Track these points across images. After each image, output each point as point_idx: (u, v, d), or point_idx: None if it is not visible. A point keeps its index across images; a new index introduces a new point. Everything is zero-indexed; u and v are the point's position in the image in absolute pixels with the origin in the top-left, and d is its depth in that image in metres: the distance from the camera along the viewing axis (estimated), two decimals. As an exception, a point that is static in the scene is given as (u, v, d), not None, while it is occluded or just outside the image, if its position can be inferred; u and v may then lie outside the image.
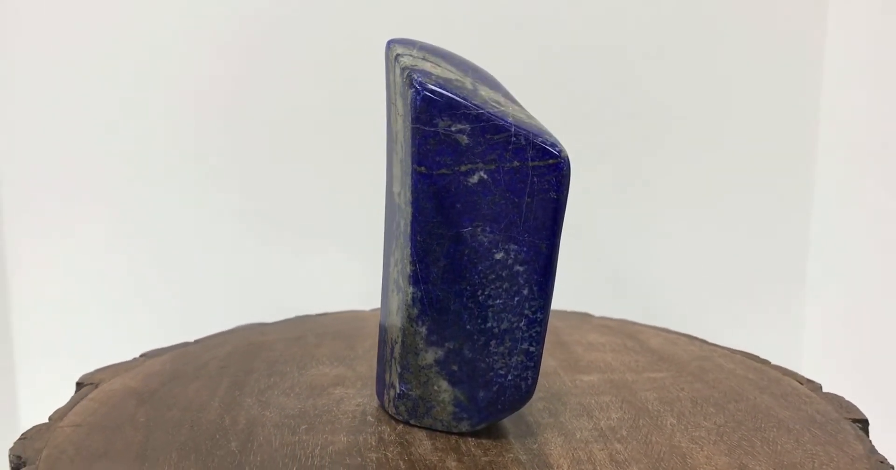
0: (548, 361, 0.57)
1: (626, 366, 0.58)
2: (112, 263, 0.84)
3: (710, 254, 0.87)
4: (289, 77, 0.82)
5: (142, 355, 0.59)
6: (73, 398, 0.52)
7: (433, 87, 0.43)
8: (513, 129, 0.43)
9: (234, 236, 0.84)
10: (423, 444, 0.46)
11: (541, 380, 0.52)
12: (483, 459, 0.44)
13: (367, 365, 0.57)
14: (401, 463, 0.44)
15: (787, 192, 0.86)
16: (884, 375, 0.78)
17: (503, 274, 0.44)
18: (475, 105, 0.43)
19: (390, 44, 0.48)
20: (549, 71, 0.83)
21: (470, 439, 0.46)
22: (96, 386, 0.53)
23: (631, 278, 0.87)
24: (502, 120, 0.43)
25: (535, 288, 0.45)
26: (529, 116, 0.45)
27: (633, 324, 0.67)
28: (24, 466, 0.43)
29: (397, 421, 0.48)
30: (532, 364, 0.45)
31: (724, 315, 0.87)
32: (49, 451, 0.45)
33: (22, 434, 0.47)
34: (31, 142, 0.81)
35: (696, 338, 0.64)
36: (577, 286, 0.80)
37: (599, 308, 0.72)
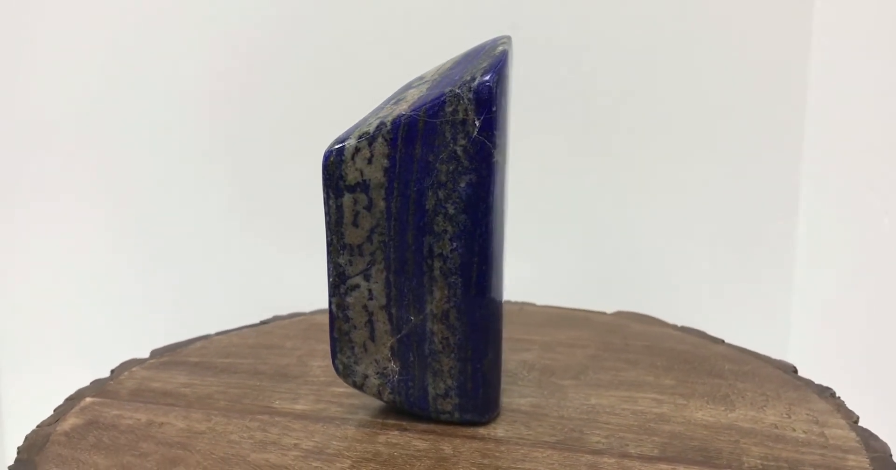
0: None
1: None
2: (105, 261, 0.82)
3: (698, 250, 0.85)
4: (287, 76, 0.80)
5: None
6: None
7: None
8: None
9: (227, 236, 0.82)
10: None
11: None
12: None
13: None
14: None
15: (774, 188, 0.84)
16: (871, 366, 0.76)
17: None
18: (383, 101, 0.45)
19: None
20: (541, 69, 0.81)
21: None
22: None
23: (618, 271, 0.85)
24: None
25: None
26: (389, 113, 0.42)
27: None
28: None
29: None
30: None
31: (712, 308, 0.85)
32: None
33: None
34: (21, 138, 0.80)
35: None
36: (565, 279, 0.83)
37: (588, 302, 0.72)
